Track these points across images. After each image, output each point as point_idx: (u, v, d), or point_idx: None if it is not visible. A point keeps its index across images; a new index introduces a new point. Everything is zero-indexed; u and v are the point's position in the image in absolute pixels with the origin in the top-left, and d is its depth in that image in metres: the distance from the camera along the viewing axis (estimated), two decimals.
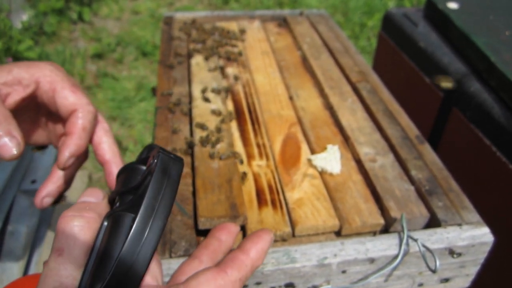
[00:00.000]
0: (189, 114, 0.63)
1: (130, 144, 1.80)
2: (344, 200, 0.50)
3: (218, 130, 0.58)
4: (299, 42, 0.84)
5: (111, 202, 0.34)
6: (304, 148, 0.58)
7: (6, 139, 0.36)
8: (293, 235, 0.48)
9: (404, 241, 0.45)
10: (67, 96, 0.40)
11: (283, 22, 0.93)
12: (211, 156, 0.53)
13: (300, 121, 0.63)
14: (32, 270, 1.02)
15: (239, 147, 0.58)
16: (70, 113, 0.41)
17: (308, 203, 0.50)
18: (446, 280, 0.49)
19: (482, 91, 0.72)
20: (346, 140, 0.60)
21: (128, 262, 0.28)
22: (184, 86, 0.69)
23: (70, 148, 0.40)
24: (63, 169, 0.40)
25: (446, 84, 0.70)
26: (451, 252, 0.46)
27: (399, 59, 0.93)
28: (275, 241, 0.47)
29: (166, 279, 0.39)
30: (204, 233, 0.46)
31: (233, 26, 0.88)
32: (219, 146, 0.55)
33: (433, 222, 0.49)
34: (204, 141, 0.56)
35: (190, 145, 0.56)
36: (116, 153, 0.43)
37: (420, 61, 0.87)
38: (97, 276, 0.28)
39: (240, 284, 0.34)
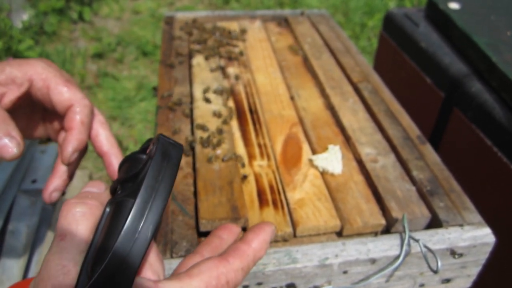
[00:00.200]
0: (190, 115, 0.63)
1: (131, 144, 1.80)
2: (346, 200, 0.50)
3: (219, 131, 0.58)
4: (300, 42, 0.84)
5: (113, 192, 0.34)
6: (305, 148, 0.58)
7: (6, 140, 0.36)
8: (294, 236, 0.48)
9: (406, 241, 0.44)
10: (62, 92, 0.41)
11: (284, 22, 0.93)
12: (209, 160, 0.53)
13: (301, 121, 0.63)
14: (33, 270, 1.02)
15: (240, 147, 0.58)
16: (67, 108, 0.41)
17: (309, 203, 0.50)
18: (448, 280, 0.49)
19: (483, 91, 0.72)
20: (348, 141, 0.60)
21: (130, 241, 0.28)
22: (185, 86, 0.69)
23: (72, 143, 0.41)
24: (68, 164, 0.41)
25: None
26: (453, 252, 0.46)
27: (400, 59, 0.93)
28: (276, 241, 0.47)
29: None
30: (205, 234, 0.46)
31: (234, 26, 0.88)
32: (219, 151, 0.55)
33: (434, 223, 0.49)
34: (204, 142, 0.56)
35: (191, 145, 0.56)
36: (113, 144, 0.44)
37: (421, 61, 0.86)
38: (99, 259, 0.28)
39: (242, 274, 0.34)
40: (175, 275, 0.33)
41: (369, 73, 0.74)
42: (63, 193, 0.46)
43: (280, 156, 0.57)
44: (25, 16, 2.46)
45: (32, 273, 1.00)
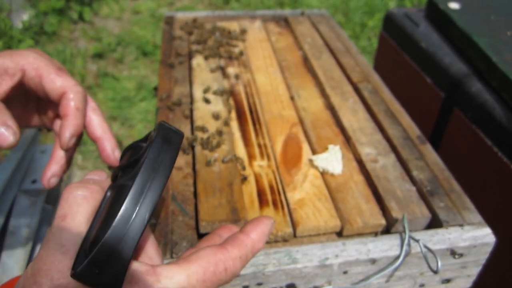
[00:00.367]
0: (190, 115, 0.63)
1: None
2: (346, 200, 0.50)
3: (219, 133, 0.58)
4: (300, 42, 0.83)
5: (114, 179, 0.35)
6: (306, 148, 0.58)
7: (2, 129, 0.38)
8: (295, 236, 0.48)
9: (406, 241, 0.44)
10: (54, 80, 0.42)
11: (284, 22, 0.93)
12: (208, 164, 0.53)
13: (301, 121, 0.63)
14: None
15: (240, 147, 0.58)
16: (60, 96, 0.42)
17: (309, 203, 0.50)
18: (448, 280, 0.49)
19: (483, 92, 0.72)
20: (348, 141, 0.60)
21: (127, 222, 0.29)
22: (185, 86, 0.69)
23: (69, 129, 0.42)
24: (66, 149, 0.43)
25: None
26: (453, 252, 0.46)
27: (400, 59, 0.93)
28: (276, 241, 0.47)
29: None
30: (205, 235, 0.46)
31: (234, 26, 0.88)
32: (216, 155, 0.55)
33: (434, 223, 0.49)
34: (204, 144, 0.56)
35: (192, 144, 0.56)
36: (106, 129, 0.46)
37: (421, 61, 0.86)
38: (97, 241, 0.28)
39: (241, 263, 0.34)
40: (173, 260, 0.33)
41: (369, 73, 0.74)
42: (61, 180, 0.47)
43: (280, 156, 0.57)
44: (25, 16, 2.46)
45: None
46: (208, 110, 0.63)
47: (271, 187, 0.52)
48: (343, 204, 0.49)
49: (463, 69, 0.78)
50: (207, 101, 0.65)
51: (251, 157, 0.56)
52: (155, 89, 0.75)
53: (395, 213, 0.48)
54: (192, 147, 0.57)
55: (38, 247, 1.06)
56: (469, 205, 0.50)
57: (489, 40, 0.76)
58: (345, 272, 0.45)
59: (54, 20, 2.55)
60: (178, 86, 0.69)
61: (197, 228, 0.47)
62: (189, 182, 0.52)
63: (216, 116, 0.61)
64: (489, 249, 0.47)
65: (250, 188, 0.52)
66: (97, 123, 0.45)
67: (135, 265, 0.31)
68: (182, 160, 0.55)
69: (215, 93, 0.66)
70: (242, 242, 0.35)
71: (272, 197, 0.50)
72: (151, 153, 0.30)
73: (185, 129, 0.60)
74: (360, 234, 0.49)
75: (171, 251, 0.44)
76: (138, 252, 0.34)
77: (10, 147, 0.38)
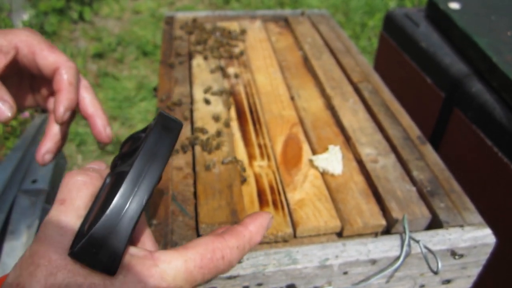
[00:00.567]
0: (191, 116, 0.63)
1: None
2: (346, 201, 0.50)
3: (219, 134, 0.58)
4: (301, 42, 0.83)
5: (113, 168, 0.35)
6: (306, 148, 0.58)
7: None
8: (295, 236, 0.47)
9: (406, 242, 0.44)
10: (47, 56, 0.43)
11: (284, 22, 0.93)
12: (207, 168, 0.52)
13: (301, 122, 0.63)
14: None
15: (240, 147, 0.58)
16: (53, 71, 0.44)
17: (309, 204, 0.49)
18: (448, 281, 0.49)
19: (483, 92, 0.72)
20: (348, 141, 0.60)
21: (123, 205, 0.29)
22: (185, 86, 0.69)
23: (63, 103, 0.43)
24: (61, 123, 0.44)
25: None
26: (453, 253, 0.46)
27: (401, 59, 0.93)
28: (276, 242, 0.47)
29: None
30: None
31: (234, 26, 0.88)
32: (216, 158, 0.54)
33: (434, 223, 0.49)
34: (204, 145, 0.56)
35: (192, 143, 0.56)
36: (97, 107, 0.47)
37: (422, 62, 0.86)
38: (96, 221, 0.29)
39: (238, 253, 0.35)
40: (171, 248, 0.34)
41: (370, 73, 0.74)
42: (55, 157, 0.48)
43: (280, 156, 0.56)
44: (26, 16, 2.46)
45: None
46: (208, 111, 0.63)
47: (271, 188, 0.52)
48: (343, 204, 0.49)
49: (463, 69, 0.77)
50: (207, 102, 0.65)
51: (251, 157, 0.56)
52: (155, 89, 0.75)
53: (395, 213, 0.48)
54: (193, 147, 0.57)
55: None
56: (469, 206, 0.50)
57: (490, 40, 0.76)
58: (345, 273, 0.44)
59: (54, 20, 2.55)
60: (178, 86, 0.69)
61: (197, 228, 0.47)
62: (189, 182, 0.52)
63: (216, 118, 0.61)
64: (489, 249, 0.47)
65: (250, 189, 0.52)
66: (88, 101, 0.46)
67: (133, 250, 0.31)
68: (182, 160, 0.55)
69: (214, 93, 0.66)
70: (239, 232, 0.35)
71: (272, 197, 0.50)
72: (150, 139, 0.31)
73: (185, 130, 0.60)
74: (360, 235, 0.49)
75: None
76: (135, 244, 0.35)
77: (7, 121, 0.39)
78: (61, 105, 0.43)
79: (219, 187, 0.50)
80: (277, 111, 0.65)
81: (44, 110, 0.52)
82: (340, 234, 0.48)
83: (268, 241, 0.47)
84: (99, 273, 0.29)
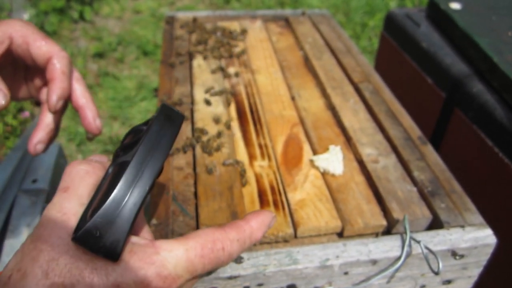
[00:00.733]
0: (191, 117, 0.63)
1: None
2: (346, 201, 0.50)
3: (219, 135, 0.58)
4: (301, 42, 0.83)
5: (115, 159, 0.36)
6: (306, 148, 0.58)
7: None
8: (295, 236, 0.47)
9: (407, 242, 0.44)
10: (40, 46, 0.44)
11: (285, 22, 0.93)
12: (209, 172, 0.52)
13: (302, 122, 0.63)
14: None
15: (241, 147, 0.58)
16: (46, 61, 0.44)
17: (310, 204, 0.49)
18: (449, 281, 0.49)
19: (484, 92, 0.72)
20: (348, 141, 0.60)
21: (130, 185, 0.30)
22: (186, 86, 0.69)
23: (56, 92, 0.44)
24: (54, 112, 0.45)
25: None
26: (454, 253, 0.46)
27: (401, 60, 0.93)
28: (277, 242, 0.47)
29: None
30: None
31: (234, 26, 0.88)
32: (216, 161, 0.54)
33: (435, 224, 0.49)
34: (205, 147, 0.56)
35: (192, 144, 0.56)
36: (88, 99, 0.48)
37: (422, 62, 0.86)
38: (99, 208, 0.29)
39: (238, 246, 0.35)
40: (172, 238, 0.34)
41: (370, 74, 0.74)
42: (47, 147, 0.49)
43: (281, 156, 0.56)
44: (26, 16, 2.46)
45: None
46: (209, 112, 0.63)
47: (272, 188, 0.52)
48: (344, 204, 0.49)
49: (464, 69, 0.77)
50: (208, 102, 0.65)
51: (251, 157, 0.56)
52: (156, 90, 0.75)
53: (396, 214, 0.48)
54: (193, 147, 0.56)
55: None
56: (470, 206, 0.50)
57: (490, 40, 0.76)
58: (346, 273, 0.44)
59: (54, 20, 2.55)
60: (178, 86, 0.69)
61: (197, 229, 0.47)
62: (190, 183, 0.52)
63: (217, 120, 0.61)
64: (490, 250, 0.47)
65: (250, 189, 0.51)
66: (80, 92, 0.47)
67: (135, 239, 0.31)
68: (182, 160, 0.55)
69: (215, 94, 0.66)
70: (240, 226, 0.36)
71: (272, 197, 0.50)
72: (153, 128, 0.31)
73: (186, 129, 0.60)
74: (361, 235, 0.49)
75: None
76: (139, 226, 0.35)
77: (1, 109, 0.40)
78: (54, 93, 0.44)
79: (219, 188, 0.50)
80: (277, 111, 0.65)
81: (38, 103, 0.52)
82: (340, 234, 0.48)
83: (269, 241, 0.47)
84: (101, 259, 0.29)
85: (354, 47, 0.83)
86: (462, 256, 0.46)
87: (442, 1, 0.89)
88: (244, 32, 0.85)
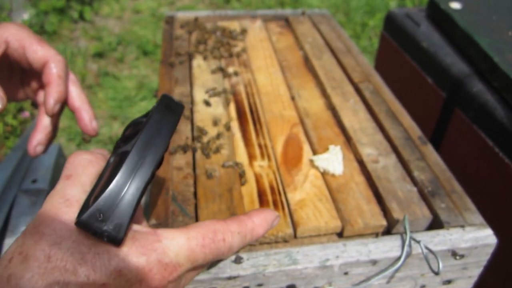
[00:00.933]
0: (191, 117, 0.63)
1: None
2: (346, 201, 0.50)
3: (219, 136, 0.58)
4: (301, 42, 0.83)
5: (116, 150, 0.36)
6: (306, 148, 0.58)
7: None
8: (295, 237, 0.47)
9: (407, 242, 0.44)
10: (36, 50, 0.44)
11: (285, 22, 0.93)
12: (209, 176, 0.52)
13: (302, 122, 0.63)
14: None
15: (240, 147, 0.58)
16: (43, 65, 0.45)
17: (310, 204, 0.49)
18: (449, 282, 0.49)
19: (485, 92, 0.71)
20: (348, 141, 0.60)
21: (134, 169, 0.30)
22: (185, 86, 0.69)
23: (53, 95, 0.44)
24: (51, 115, 0.45)
25: None
26: (454, 254, 0.46)
27: (401, 59, 0.93)
28: (277, 242, 0.47)
29: None
30: None
31: (234, 25, 0.88)
32: (216, 167, 0.54)
33: (435, 224, 0.49)
34: (204, 148, 0.55)
35: (192, 148, 0.56)
36: (84, 101, 0.48)
37: (423, 61, 0.86)
38: (102, 193, 0.29)
39: (239, 238, 0.35)
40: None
41: (370, 73, 0.74)
42: (46, 148, 0.50)
43: (280, 156, 0.56)
44: (26, 16, 2.46)
45: None
46: (209, 113, 0.63)
47: (272, 188, 0.52)
48: (343, 204, 0.49)
49: (464, 69, 0.77)
50: (207, 103, 0.65)
51: (251, 157, 0.56)
52: (157, 91, 0.75)
53: (396, 214, 0.48)
54: (193, 149, 0.56)
55: None
56: (470, 206, 0.50)
57: (491, 40, 0.76)
58: (345, 273, 0.44)
59: (54, 20, 2.55)
60: (178, 86, 0.69)
61: None
62: (189, 183, 0.52)
63: (216, 121, 0.61)
64: (490, 250, 0.47)
65: (250, 189, 0.51)
66: (76, 95, 0.48)
67: (137, 227, 0.32)
68: (182, 160, 0.55)
69: (215, 94, 0.66)
70: (242, 220, 0.36)
71: (272, 197, 0.50)
72: (155, 116, 0.32)
73: (185, 129, 0.60)
74: (360, 235, 0.48)
75: None
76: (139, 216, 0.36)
77: None
78: (51, 97, 0.44)
79: (219, 190, 0.50)
80: (277, 111, 0.65)
81: (35, 104, 0.53)
82: (340, 235, 0.48)
83: (269, 242, 0.47)
84: (104, 244, 0.29)
85: (354, 47, 0.83)
86: (462, 256, 0.46)
87: (442, 0, 0.88)
88: (244, 32, 0.85)
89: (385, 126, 0.61)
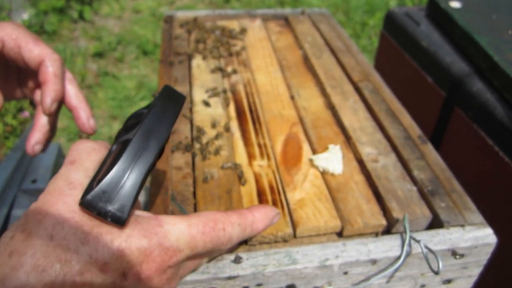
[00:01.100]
0: (191, 117, 0.63)
1: None
2: (346, 200, 0.50)
3: (217, 137, 0.57)
4: (301, 41, 0.83)
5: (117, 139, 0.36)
6: (306, 148, 0.58)
7: None
8: (295, 236, 0.47)
9: (407, 242, 0.44)
10: (32, 49, 0.44)
11: (284, 21, 0.93)
12: (205, 180, 0.52)
13: (301, 121, 0.63)
14: None
15: (240, 147, 0.57)
16: (39, 64, 0.45)
17: (309, 203, 0.49)
18: (449, 281, 0.49)
19: (484, 91, 0.71)
20: (348, 140, 0.59)
21: (138, 152, 0.31)
22: (185, 86, 0.69)
23: (50, 94, 0.44)
24: (49, 114, 0.45)
25: None
26: (454, 253, 0.46)
27: (401, 59, 0.93)
28: (276, 242, 0.47)
29: None
30: None
31: (234, 25, 0.88)
32: (214, 170, 0.54)
33: (435, 223, 0.49)
34: (203, 150, 0.55)
35: (193, 154, 0.56)
36: (81, 99, 0.48)
37: (422, 61, 0.86)
38: (106, 175, 0.30)
39: (239, 231, 0.35)
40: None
41: (370, 73, 0.74)
42: (45, 148, 0.50)
43: (280, 156, 0.56)
44: (26, 15, 2.46)
45: None
46: (208, 114, 0.63)
47: (271, 187, 0.52)
48: (343, 204, 0.49)
49: (464, 68, 0.77)
50: (206, 104, 0.64)
51: (251, 156, 0.56)
52: (157, 91, 0.75)
53: (396, 213, 0.48)
54: (192, 154, 0.56)
55: None
56: (470, 205, 0.50)
57: (491, 39, 0.76)
58: (345, 273, 0.44)
59: (54, 19, 2.55)
60: (177, 85, 0.69)
61: None
62: (189, 182, 0.52)
63: (216, 122, 0.60)
64: (490, 249, 0.47)
65: (249, 188, 0.51)
66: (73, 93, 0.48)
67: (139, 212, 0.32)
68: (181, 160, 0.55)
69: (214, 95, 0.66)
70: (243, 213, 0.37)
71: (272, 197, 0.50)
72: (158, 104, 0.32)
73: (185, 128, 0.60)
74: (360, 235, 0.48)
75: None
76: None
77: None
78: (47, 96, 0.44)
79: (218, 192, 0.50)
80: (277, 110, 0.65)
81: (32, 103, 0.53)
82: (340, 234, 0.48)
83: (268, 241, 0.47)
84: (107, 225, 0.29)
85: (354, 46, 0.82)
86: (462, 256, 0.46)
87: None
88: (243, 31, 0.85)
89: (384, 125, 0.61)
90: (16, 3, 2.41)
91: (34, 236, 0.27)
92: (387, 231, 0.49)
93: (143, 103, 2.03)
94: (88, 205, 0.28)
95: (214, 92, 0.66)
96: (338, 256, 0.43)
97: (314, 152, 0.57)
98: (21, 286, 0.25)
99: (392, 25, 0.96)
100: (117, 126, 1.90)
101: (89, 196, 0.28)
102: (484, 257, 0.47)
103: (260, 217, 0.37)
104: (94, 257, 0.28)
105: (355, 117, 0.63)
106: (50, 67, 0.44)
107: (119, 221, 0.29)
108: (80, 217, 0.29)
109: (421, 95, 0.87)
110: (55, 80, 0.45)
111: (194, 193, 0.50)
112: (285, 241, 0.47)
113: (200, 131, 0.58)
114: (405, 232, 0.45)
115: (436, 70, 0.82)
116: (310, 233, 0.47)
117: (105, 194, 0.29)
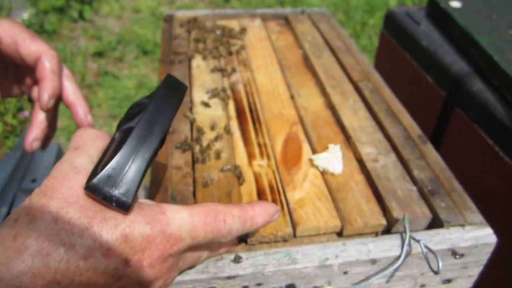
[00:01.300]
0: (190, 117, 0.63)
1: None
2: (346, 200, 0.50)
3: (217, 138, 0.57)
4: (301, 41, 0.83)
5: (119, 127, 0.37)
6: (306, 147, 0.58)
7: None
8: (294, 236, 0.47)
9: (406, 242, 0.44)
10: (29, 46, 0.44)
11: (284, 21, 0.93)
12: (205, 185, 0.52)
13: (301, 121, 0.63)
14: None
15: (240, 146, 0.57)
16: (36, 60, 0.45)
17: (309, 203, 0.49)
18: (449, 281, 0.49)
19: (485, 90, 0.71)
20: (348, 140, 0.59)
21: (143, 137, 0.31)
22: None
23: (47, 90, 0.45)
24: (46, 111, 0.46)
25: None
26: (454, 253, 0.46)
27: (401, 58, 0.92)
28: (276, 241, 0.47)
29: None
30: None
31: (234, 24, 0.88)
32: (212, 172, 0.54)
33: (435, 223, 0.49)
34: (203, 151, 0.55)
35: (193, 157, 0.56)
36: (79, 96, 0.48)
37: (422, 60, 0.86)
38: (110, 161, 0.30)
39: (239, 223, 0.36)
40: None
41: (370, 72, 0.74)
42: (45, 145, 0.50)
43: (280, 155, 0.56)
44: (26, 15, 2.46)
45: None
46: (208, 115, 0.63)
47: (271, 187, 0.51)
48: (343, 204, 0.49)
49: (464, 68, 0.77)
50: (206, 105, 0.64)
51: (250, 156, 0.56)
52: None
53: (396, 213, 0.48)
54: (195, 159, 0.56)
55: None
56: (470, 205, 0.50)
57: (491, 38, 0.76)
58: (345, 273, 0.44)
59: (54, 19, 2.55)
60: None
61: None
62: (189, 182, 0.52)
63: (215, 124, 0.60)
64: (490, 249, 0.47)
65: (249, 188, 0.51)
66: (70, 90, 0.48)
67: (142, 199, 0.33)
68: (181, 159, 0.55)
69: (214, 96, 0.66)
70: (243, 207, 0.37)
71: (272, 196, 0.50)
72: (160, 92, 0.33)
73: (185, 128, 0.59)
74: (360, 234, 0.48)
75: None
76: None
77: None
78: (45, 92, 0.44)
79: (218, 194, 0.50)
80: (277, 110, 0.65)
81: (30, 100, 0.53)
82: (340, 234, 0.48)
83: (268, 241, 0.47)
84: (111, 210, 0.29)
85: (354, 46, 0.82)
86: (462, 255, 0.46)
87: None
88: (243, 30, 0.85)
89: (384, 125, 0.61)
90: (16, 3, 2.41)
91: (39, 219, 0.27)
92: (387, 230, 0.49)
93: None
94: (93, 189, 0.28)
95: (214, 93, 0.66)
96: (338, 256, 0.43)
97: (314, 151, 0.57)
98: (26, 270, 0.25)
99: (392, 24, 0.96)
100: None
101: (94, 180, 0.29)
102: (484, 257, 0.47)
103: (260, 212, 0.38)
104: (98, 242, 0.28)
105: (355, 116, 0.63)
106: (47, 64, 0.44)
107: (124, 206, 0.29)
108: (84, 201, 0.29)
109: (421, 95, 0.87)
110: (52, 76, 0.45)
111: (194, 193, 0.50)
112: (285, 240, 0.47)
113: (200, 131, 0.58)
114: (405, 231, 0.45)
115: (436, 69, 0.82)
116: (310, 232, 0.47)
117: (110, 179, 0.29)
